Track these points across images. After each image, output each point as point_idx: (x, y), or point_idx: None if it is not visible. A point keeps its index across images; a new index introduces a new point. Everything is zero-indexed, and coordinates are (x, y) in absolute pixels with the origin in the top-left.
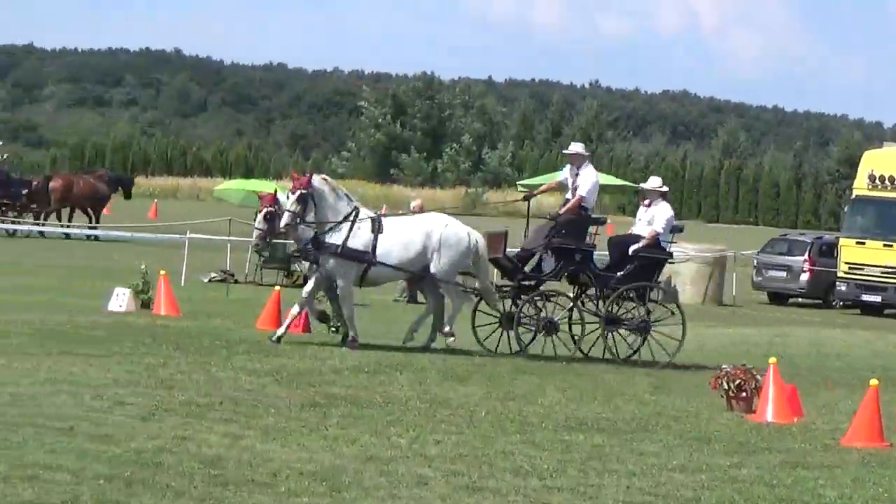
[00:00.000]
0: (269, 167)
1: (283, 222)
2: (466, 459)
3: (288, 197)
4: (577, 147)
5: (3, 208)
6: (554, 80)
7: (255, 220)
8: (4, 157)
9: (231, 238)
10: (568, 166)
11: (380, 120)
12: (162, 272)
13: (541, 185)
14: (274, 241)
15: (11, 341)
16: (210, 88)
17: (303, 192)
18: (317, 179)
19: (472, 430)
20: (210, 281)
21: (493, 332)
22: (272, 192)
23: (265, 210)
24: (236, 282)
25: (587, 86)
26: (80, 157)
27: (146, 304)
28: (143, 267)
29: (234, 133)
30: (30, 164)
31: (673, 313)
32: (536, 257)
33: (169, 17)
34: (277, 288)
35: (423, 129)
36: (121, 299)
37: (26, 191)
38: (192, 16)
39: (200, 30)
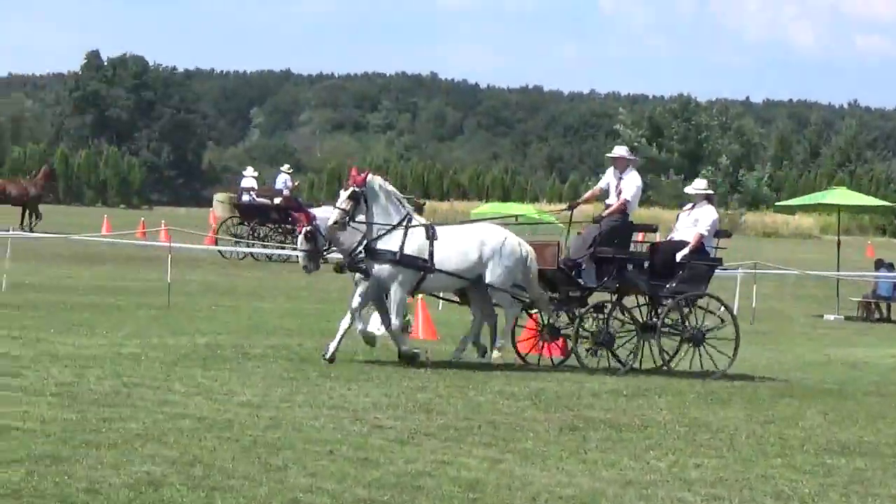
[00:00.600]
0: (525, 190)
1: (332, 219)
2: (727, 483)
3: (339, 195)
4: (620, 150)
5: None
6: (812, 99)
7: (297, 243)
8: (296, 183)
9: None
10: (610, 171)
11: (636, 142)
12: (419, 296)
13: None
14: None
15: (270, 366)
16: (466, 112)
17: (356, 189)
18: (372, 178)
19: (732, 454)
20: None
21: (535, 345)
22: (307, 211)
23: (304, 230)
24: None
25: (846, 105)
26: (338, 182)
27: (404, 328)
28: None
29: (491, 156)
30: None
31: (723, 320)
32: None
33: (425, 42)
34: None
35: (679, 151)
36: (378, 323)
37: None
38: (448, 40)
39: (456, 54)
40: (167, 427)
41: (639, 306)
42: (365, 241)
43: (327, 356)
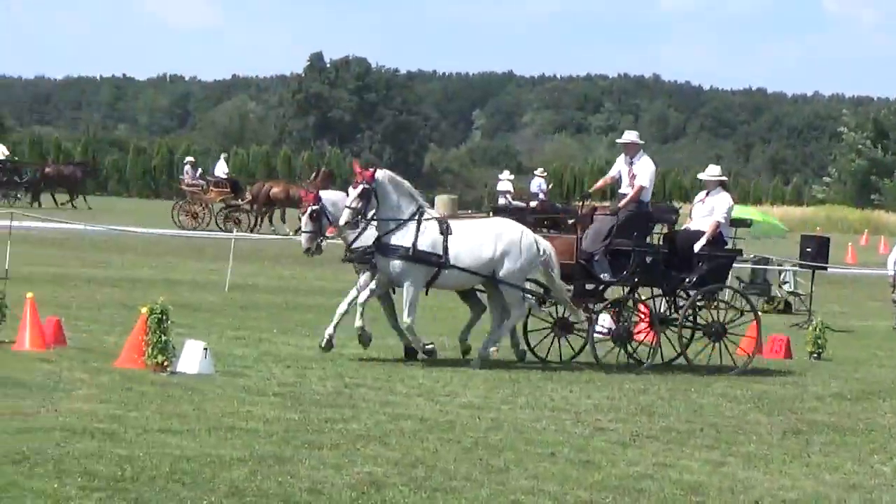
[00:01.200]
0: (748, 192)
1: (342, 220)
2: None
3: (348, 193)
4: (631, 136)
5: None
6: None
7: (300, 222)
8: (550, 186)
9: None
10: (621, 158)
11: (860, 145)
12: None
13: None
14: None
15: (492, 367)
16: (688, 114)
17: (365, 186)
18: (381, 174)
19: None
20: None
21: (544, 338)
22: (314, 190)
23: (309, 209)
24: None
25: None
26: (560, 184)
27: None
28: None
29: (713, 158)
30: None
31: (742, 313)
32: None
33: (647, 43)
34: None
35: None
36: (602, 326)
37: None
38: (670, 42)
39: (679, 55)
40: (389, 428)
41: (653, 297)
42: (372, 237)
43: (322, 344)
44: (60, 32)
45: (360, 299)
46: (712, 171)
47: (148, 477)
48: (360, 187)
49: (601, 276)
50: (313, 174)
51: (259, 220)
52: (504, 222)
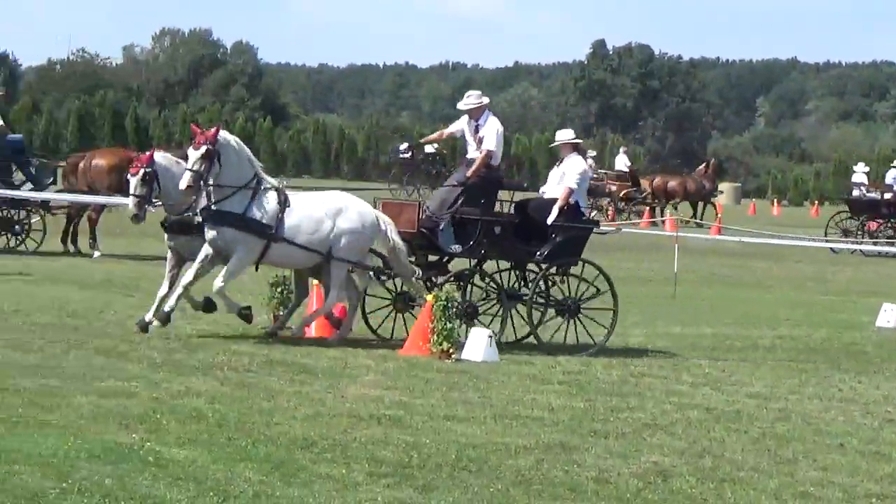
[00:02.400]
0: None
1: (183, 184)
2: None
3: (188, 155)
4: (474, 97)
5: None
6: None
7: (129, 186)
8: None
9: None
10: (463, 119)
11: None
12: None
13: None
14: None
15: (779, 356)
16: None
17: (209, 147)
18: (225, 134)
19: None
20: None
21: (387, 317)
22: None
23: (142, 171)
24: None
25: None
26: (843, 172)
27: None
28: None
29: None
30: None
31: (598, 290)
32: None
33: None
34: None
35: None
36: (889, 315)
37: None
38: None
39: None
40: (675, 417)
41: (499, 272)
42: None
43: (140, 324)
44: (344, 21)
45: (189, 276)
46: (564, 136)
47: (434, 464)
48: (203, 148)
49: (449, 247)
50: (704, 166)
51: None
52: (344, 197)
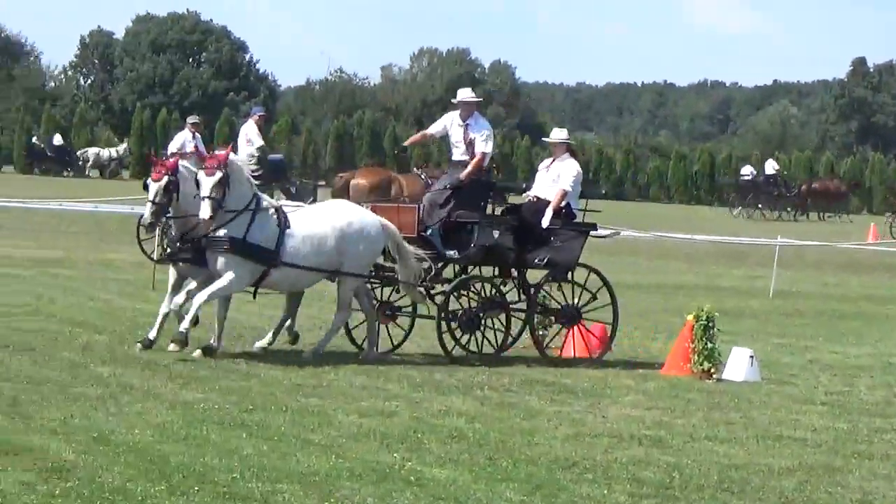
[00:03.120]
0: None
1: (205, 213)
2: None
3: (197, 178)
4: (466, 93)
5: None
6: None
7: (148, 192)
8: None
9: None
10: (451, 116)
11: None
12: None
13: None
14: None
15: None
16: None
17: (223, 173)
18: (233, 157)
19: None
20: None
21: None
22: (173, 159)
23: (166, 179)
24: None
25: None
26: None
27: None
28: None
29: None
30: None
31: (595, 296)
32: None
33: None
34: None
35: None
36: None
37: None
38: None
39: None
40: None
41: (491, 279)
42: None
43: (144, 343)
44: (602, 41)
45: (176, 301)
46: (558, 135)
47: (696, 485)
48: (218, 174)
49: (445, 253)
50: None
51: None
52: (346, 209)
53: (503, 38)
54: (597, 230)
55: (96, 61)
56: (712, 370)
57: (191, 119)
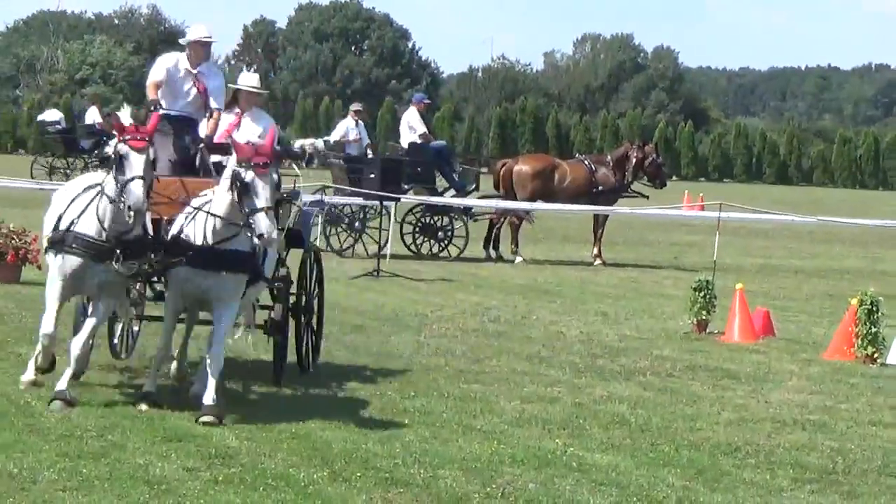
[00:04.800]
0: None
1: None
2: None
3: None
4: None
5: None
6: None
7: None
8: None
9: None
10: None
11: None
12: None
13: None
14: None
15: None
16: None
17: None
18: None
19: None
20: None
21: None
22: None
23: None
24: None
25: None
26: None
27: None
28: None
29: None
30: None
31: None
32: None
33: None
34: None
35: None
36: None
37: None
38: None
39: None
40: None
41: None
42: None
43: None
44: (766, 25)
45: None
46: (248, 80)
47: (860, 469)
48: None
49: None
50: None
51: None
52: None
53: (667, 23)
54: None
55: (259, 50)
56: (876, 354)
57: (353, 107)
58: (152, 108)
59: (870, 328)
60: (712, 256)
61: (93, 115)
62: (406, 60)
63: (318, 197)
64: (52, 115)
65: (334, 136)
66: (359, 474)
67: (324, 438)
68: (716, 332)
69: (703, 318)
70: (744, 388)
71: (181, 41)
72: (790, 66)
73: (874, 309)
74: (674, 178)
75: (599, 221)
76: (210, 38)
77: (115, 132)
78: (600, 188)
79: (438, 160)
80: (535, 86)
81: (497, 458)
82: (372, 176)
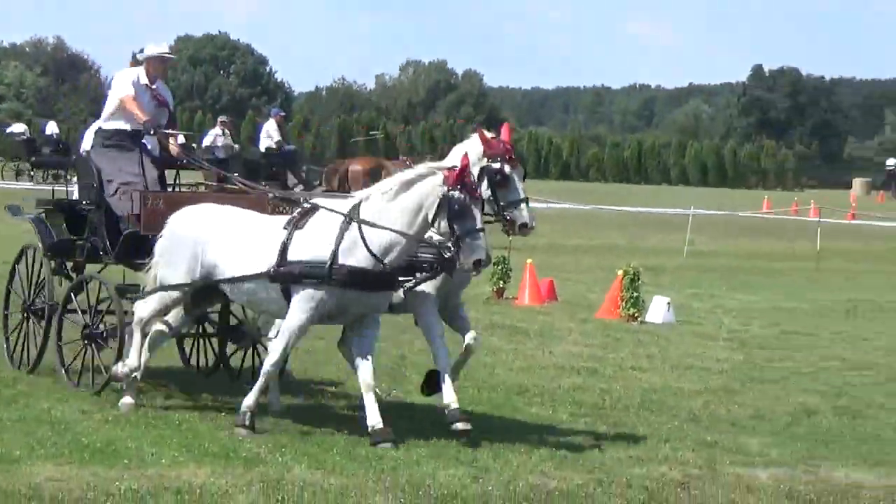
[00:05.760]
0: None
1: None
2: None
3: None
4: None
5: None
6: None
7: None
8: None
9: None
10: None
11: None
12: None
13: None
14: None
15: None
16: None
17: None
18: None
19: None
20: None
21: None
22: None
23: None
24: None
25: None
26: None
27: None
28: None
29: None
30: None
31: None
32: None
33: None
34: None
35: None
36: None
37: None
38: None
39: None
40: (817, 366)
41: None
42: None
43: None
44: (555, 50)
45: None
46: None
47: (623, 405)
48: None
49: None
50: None
51: None
52: None
53: (475, 49)
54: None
55: None
56: (637, 314)
57: (221, 118)
58: (151, 133)
59: (632, 293)
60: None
61: (52, 128)
62: (265, 81)
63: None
64: (18, 127)
65: (206, 141)
66: (223, 414)
67: (197, 386)
68: (511, 297)
69: (501, 286)
70: (533, 342)
71: (139, 56)
72: (571, 85)
73: (635, 278)
74: None
75: None
76: (172, 55)
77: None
78: None
79: (290, 162)
80: (369, 102)
81: None
82: (235, 175)
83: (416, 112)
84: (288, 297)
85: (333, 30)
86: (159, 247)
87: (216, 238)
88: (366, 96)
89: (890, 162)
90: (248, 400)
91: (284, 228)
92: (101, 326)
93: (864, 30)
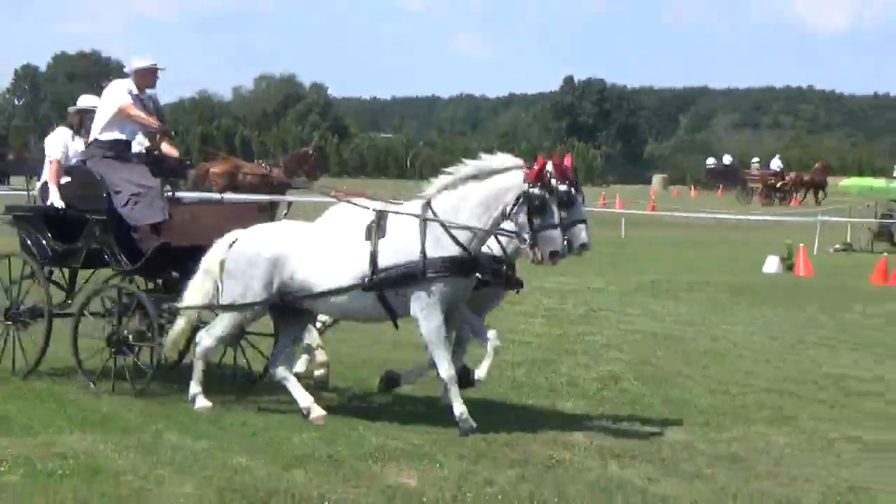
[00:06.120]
0: None
1: None
2: None
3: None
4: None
5: None
6: None
7: None
8: None
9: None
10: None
11: None
12: None
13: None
14: None
15: (706, 295)
16: None
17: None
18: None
19: None
20: None
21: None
22: None
23: None
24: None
25: None
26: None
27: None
28: None
29: None
30: None
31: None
32: None
33: None
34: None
35: None
36: (772, 264)
37: None
38: None
39: None
40: (625, 339)
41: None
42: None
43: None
44: (392, 63)
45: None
46: (88, 101)
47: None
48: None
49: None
50: None
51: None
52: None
53: (320, 64)
54: None
55: (26, 87)
56: None
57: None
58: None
59: None
60: None
61: None
62: None
63: None
64: None
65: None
66: (104, 391)
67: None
68: None
69: None
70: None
71: (126, 70)
72: (407, 95)
73: None
74: (325, 175)
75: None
76: (161, 66)
77: (533, 176)
78: (274, 182)
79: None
80: (227, 111)
81: None
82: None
83: (270, 120)
84: (385, 304)
85: (195, 48)
86: (227, 266)
87: (295, 255)
88: (225, 106)
89: (709, 161)
90: (457, 410)
91: (367, 240)
92: (125, 332)
93: (661, 44)
